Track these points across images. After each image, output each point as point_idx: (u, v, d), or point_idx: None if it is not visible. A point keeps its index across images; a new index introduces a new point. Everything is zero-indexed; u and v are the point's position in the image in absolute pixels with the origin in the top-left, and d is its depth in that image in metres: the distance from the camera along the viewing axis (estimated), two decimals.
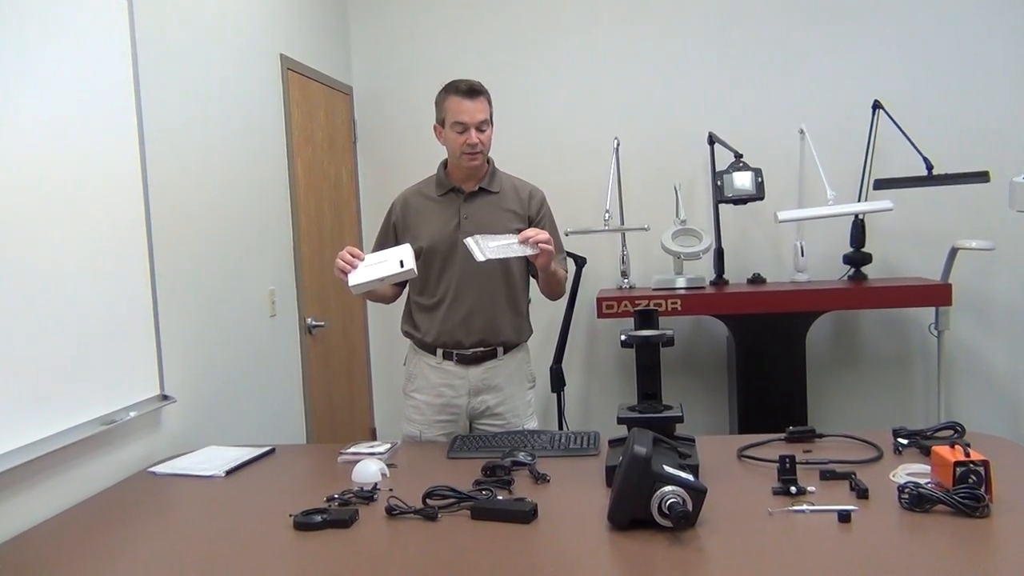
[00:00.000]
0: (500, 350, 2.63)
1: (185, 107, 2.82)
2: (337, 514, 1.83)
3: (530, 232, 2.37)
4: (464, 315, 2.57)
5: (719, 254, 4.14)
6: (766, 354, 3.88)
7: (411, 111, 4.37)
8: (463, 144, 2.51)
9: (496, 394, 2.63)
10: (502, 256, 2.38)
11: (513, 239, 2.38)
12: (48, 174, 2.11)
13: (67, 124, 2.19)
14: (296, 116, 3.70)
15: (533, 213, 2.64)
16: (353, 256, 2.38)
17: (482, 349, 2.60)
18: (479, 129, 2.51)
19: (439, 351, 2.62)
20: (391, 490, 1.97)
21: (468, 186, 2.61)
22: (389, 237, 2.66)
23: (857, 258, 4.08)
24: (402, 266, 2.35)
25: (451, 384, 2.62)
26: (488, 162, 2.65)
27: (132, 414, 2.38)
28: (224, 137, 3.09)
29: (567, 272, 2.70)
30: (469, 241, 2.36)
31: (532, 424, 2.70)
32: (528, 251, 2.37)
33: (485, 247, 2.34)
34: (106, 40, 2.38)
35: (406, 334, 2.71)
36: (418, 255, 2.48)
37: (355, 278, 2.36)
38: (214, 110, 3.02)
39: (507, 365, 2.64)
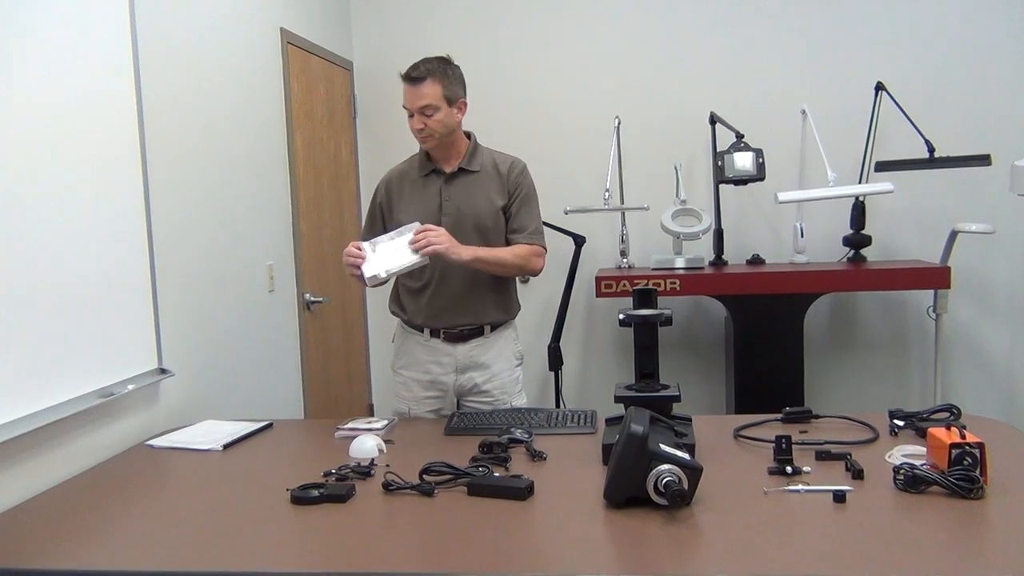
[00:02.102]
0: (487, 328, 2.63)
1: (184, 80, 2.80)
2: (334, 489, 1.84)
3: (419, 237, 2.35)
4: (450, 299, 2.57)
5: (718, 234, 4.13)
6: (764, 335, 3.88)
7: None
8: (412, 128, 2.51)
9: (483, 371, 2.63)
10: (401, 271, 2.37)
11: (406, 235, 2.37)
12: (46, 149, 2.09)
13: (65, 99, 2.17)
14: (296, 91, 3.68)
15: (512, 187, 2.60)
16: (359, 251, 2.38)
17: (469, 328, 2.60)
18: (422, 113, 2.47)
19: (426, 330, 2.62)
20: (388, 466, 1.98)
21: (448, 167, 2.58)
22: (377, 219, 2.66)
23: (857, 240, 4.08)
24: (419, 256, 2.35)
25: (438, 361, 2.62)
26: (469, 138, 2.62)
27: (130, 387, 2.38)
28: (223, 111, 3.07)
29: (545, 248, 2.65)
30: (366, 246, 2.37)
31: (520, 401, 2.70)
32: (421, 260, 2.36)
33: (381, 260, 2.34)
34: (105, 14, 2.36)
35: (394, 313, 2.71)
36: None
37: (371, 269, 2.35)
38: (213, 83, 3.00)
39: (494, 343, 2.64)
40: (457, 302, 2.57)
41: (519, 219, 2.60)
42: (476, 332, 2.62)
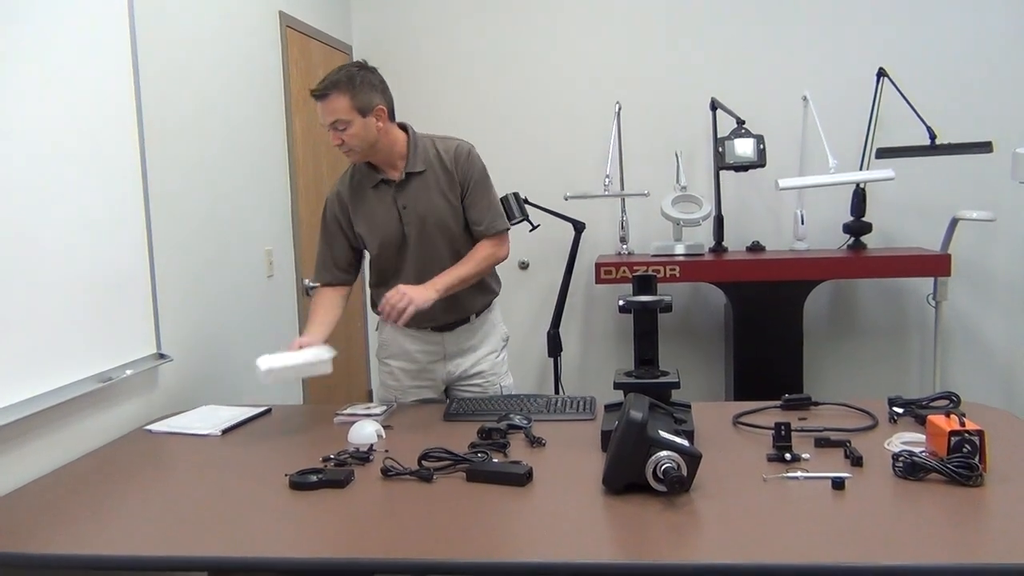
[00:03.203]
0: (472, 316, 2.61)
1: (182, 64, 2.78)
2: (333, 474, 1.84)
3: (385, 309, 2.31)
4: (429, 306, 2.48)
5: (719, 221, 4.12)
6: (764, 322, 3.88)
7: (410, 71, 4.32)
8: (333, 144, 2.42)
9: (470, 356, 2.62)
10: (292, 364, 2.31)
11: (304, 358, 2.33)
12: (45, 135, 2.08)
13: (63, 84, 2.16)
14: (295, 75, 3.66)
15: (461, 177, 2.48)
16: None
17: (455, 319, 2.58)
18: (335, 128, 2.36)
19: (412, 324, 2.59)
20: (387, 451, 1.98)
21: (394, 173, 2.47)
22: (337, 235, 2.54)
23: (857, 227, 4.07)
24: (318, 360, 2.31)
25: (425, 350, 2.61)
26: (407, 132, 2.49)
27: (128, 372, 2.38)
28: (222, 95, 3.05)
29: (507, 231, 2.56)
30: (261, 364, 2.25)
31: (507, 381, 2.69)
32: (321, 369, 2.33)
33: (274, 368, 2.25)
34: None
35: (376, 313, 2.68)
36: (372, 253, 2.51)
37: (268, 363, 2.25)
38: (211, 68, 2.99)
39: (479, 327, 2.63)
40: (436, 306, 2.45)
41: (475, 210, 2.49)
42: (462, 320, 2.60)
